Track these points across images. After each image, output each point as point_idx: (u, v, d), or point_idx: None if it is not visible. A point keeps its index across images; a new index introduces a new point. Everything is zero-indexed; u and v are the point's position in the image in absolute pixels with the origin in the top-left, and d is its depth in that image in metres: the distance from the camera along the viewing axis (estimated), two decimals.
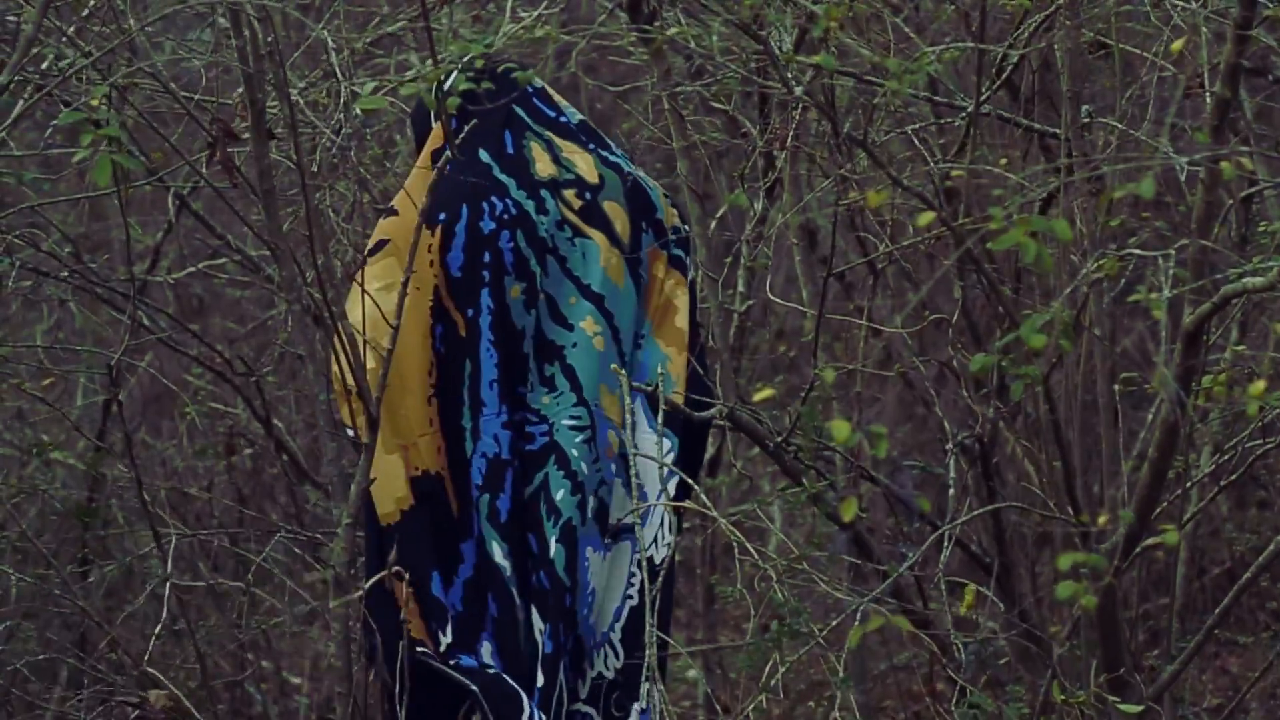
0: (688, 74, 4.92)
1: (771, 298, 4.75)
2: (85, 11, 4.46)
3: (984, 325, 5.13)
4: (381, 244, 4.10)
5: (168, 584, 4.27)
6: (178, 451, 5.73)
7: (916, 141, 4.63)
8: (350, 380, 4.02)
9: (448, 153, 3.97)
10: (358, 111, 4.86)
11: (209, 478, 5.61)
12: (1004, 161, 4.13)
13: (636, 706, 4.02)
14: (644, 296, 4.15)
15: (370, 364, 4.02)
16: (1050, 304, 3.43)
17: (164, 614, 4.20)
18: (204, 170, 4.43)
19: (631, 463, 4.03)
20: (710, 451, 5.52)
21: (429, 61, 5.23)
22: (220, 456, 5.52)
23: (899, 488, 4.67)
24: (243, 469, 5.76)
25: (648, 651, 3.94)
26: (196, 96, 4.60)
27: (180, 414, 5.64)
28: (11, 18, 4.15)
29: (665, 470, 4.04)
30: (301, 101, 4.31)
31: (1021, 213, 3.14)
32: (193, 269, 5.41)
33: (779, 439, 4.25)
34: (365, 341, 4.01)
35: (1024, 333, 3.29)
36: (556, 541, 4.04)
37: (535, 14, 4.76)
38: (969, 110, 4.55)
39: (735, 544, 3.90)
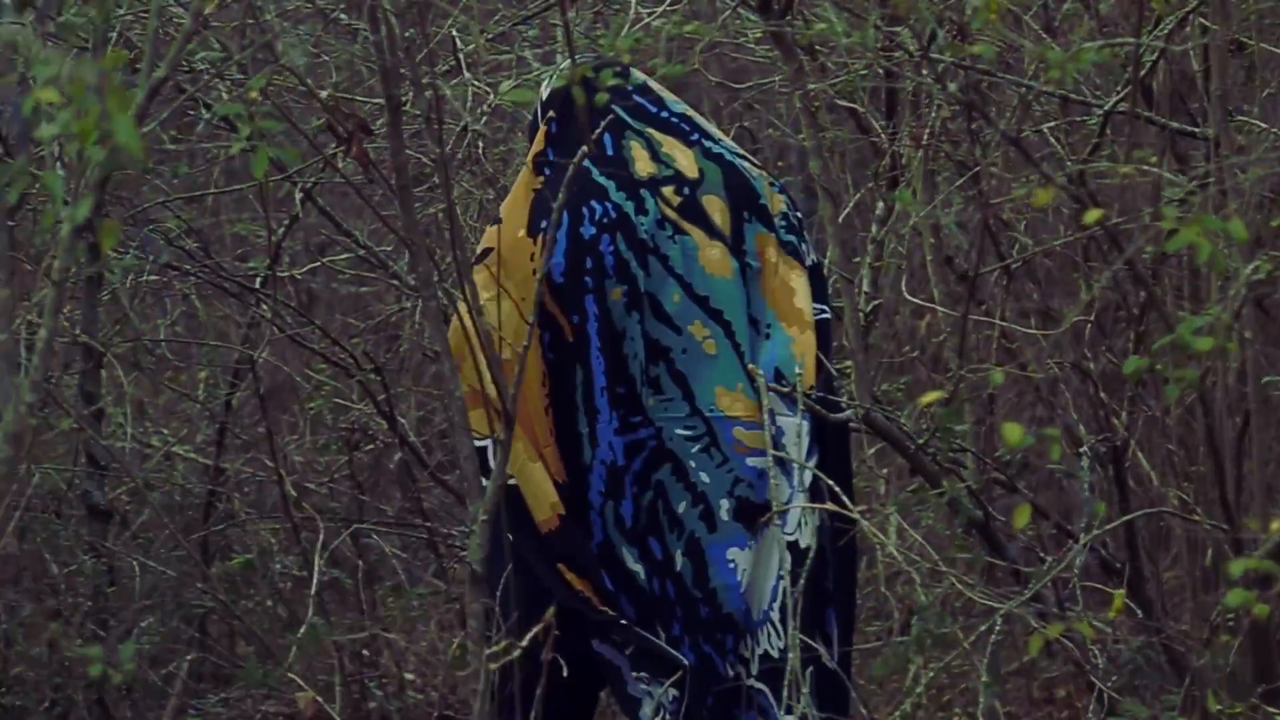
0: (813, 72, 4.88)
1: (908, 297, 4.70)
2: (215, 5, 4.47)
3: (1110, 326, 5.07)
4: (486, 252, 4.11)
5: (315, 579, 4.26)
6: (297, 447, 5.74)
7: (1052, 139, 4.57)
8: (480, 384, 4.01)
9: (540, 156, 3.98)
10: (486, 108, 4.86)
11: (330, 473, 5.62)
12: (1153, 160, 4.07)
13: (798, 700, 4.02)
14: (758, 283, 4.11)
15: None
16: (1207, 307, 3.36)
17: (309, 612, 4.19)
18: (340, 165, 4.42)
19: (772, 449, 4.02)
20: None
21: (554, 60, 5.22)
22: (342, 452, 5.52)
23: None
24: (363, 465, 5.76)
25: (791, 655, 3.91)
26: (326, 92, 4.60)
27: (302, 409, 5.65)
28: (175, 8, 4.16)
29: (804, 455, 4.01)
30: (449, 94, 4.30)
31: (1166, 212, 3.09)
32: (316, 263, 5.42)
33: (919, 442, 4.20)
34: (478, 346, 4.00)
35: (1183, 335, 3.23)
36: (682, 555, 4.05)
37: (658, 11, 4.74)
38: (1105, 108, 4.49)
39: (877, 545, 3.85)
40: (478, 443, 4.05)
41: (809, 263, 4.13)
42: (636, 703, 4.08)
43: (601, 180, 4.07)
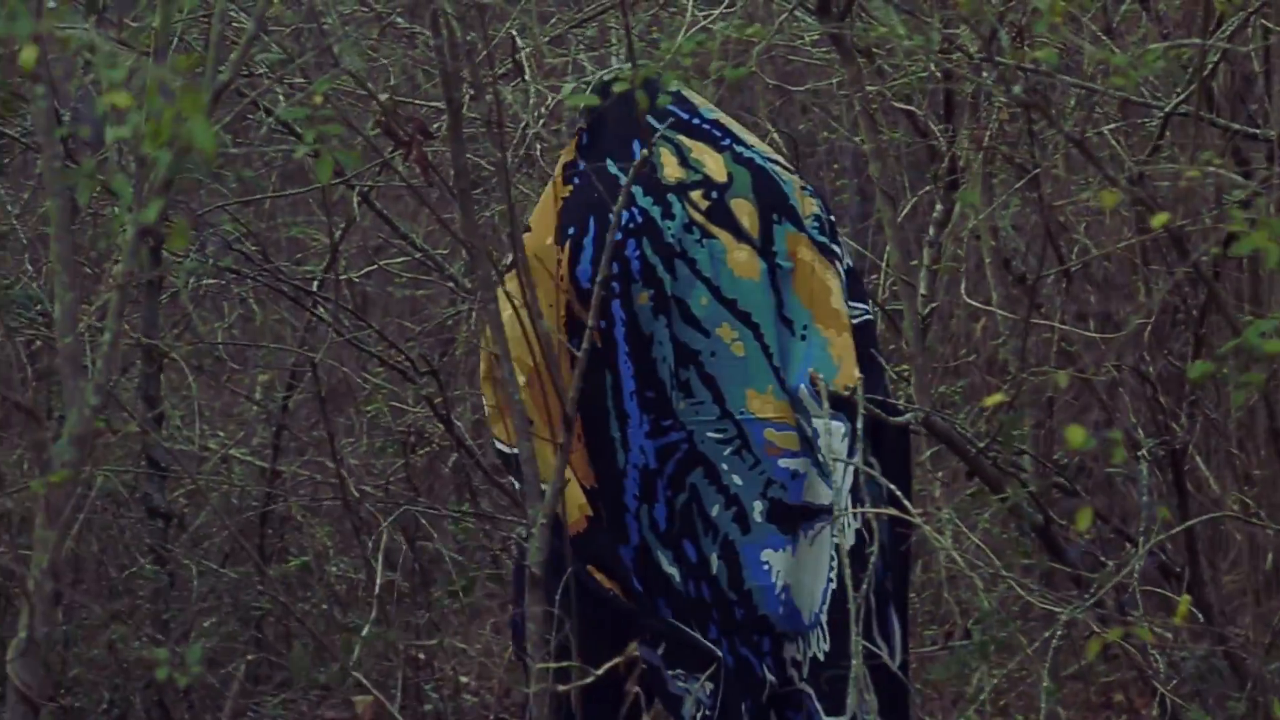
0: (870, 75, 4.86)
1: (968, 300, 4.69)
2: (277, 8, 4.49)
3: (1167, 329, 5.04)
4: (516, 260, 4.11)
5: (377, 583, 4.27)
6: (352, 450, 5.76)
7: (1113, 141, 4.55)
8: (502, 394, 4.04)
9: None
10: (544, 110, 4.86)
11: (386, 476, 5.63)
12: (1219, 162, 4.04)
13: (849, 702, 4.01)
14: (790, 283, 4.10)
15: (521, 378, 4.04)
16: (1274, 311, 3.34)
17: (372, 613, 4.20)
18: (400, 168, 4.44)
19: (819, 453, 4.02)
20: None
21: (608, 63, 5.22)
22: (399, 455, 5.53)
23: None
24: (418, 468, 5.77)
25: (854, 661, 3.90)
26: (383, 95, 4.61)
27: (358, 411, 5.67)
28: (238, 14, 4.18)
29: (846, 455, 4.00)
30: (510, 98, 4.30)
31: (1234, 215, 3.07)
32: (373, 266, 5.44)
33: (980, 446, 4.18)
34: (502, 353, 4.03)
35: (1249, 338, 3.21)
36: (717, 558, 4.07)
37: (715, 13, 4.73)
38: (1166, 109, 4.46)
39: (942, 550, 3.84)
40: (505, 449, 4.11)
41: (844, 266, 4.13)
42: (679, 701, 4.10)
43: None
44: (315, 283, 5.25)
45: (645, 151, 3.96)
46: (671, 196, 4.09)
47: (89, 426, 3.46)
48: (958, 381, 5.37)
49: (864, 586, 3.92)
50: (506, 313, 4.03)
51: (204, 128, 2.60)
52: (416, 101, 5.02)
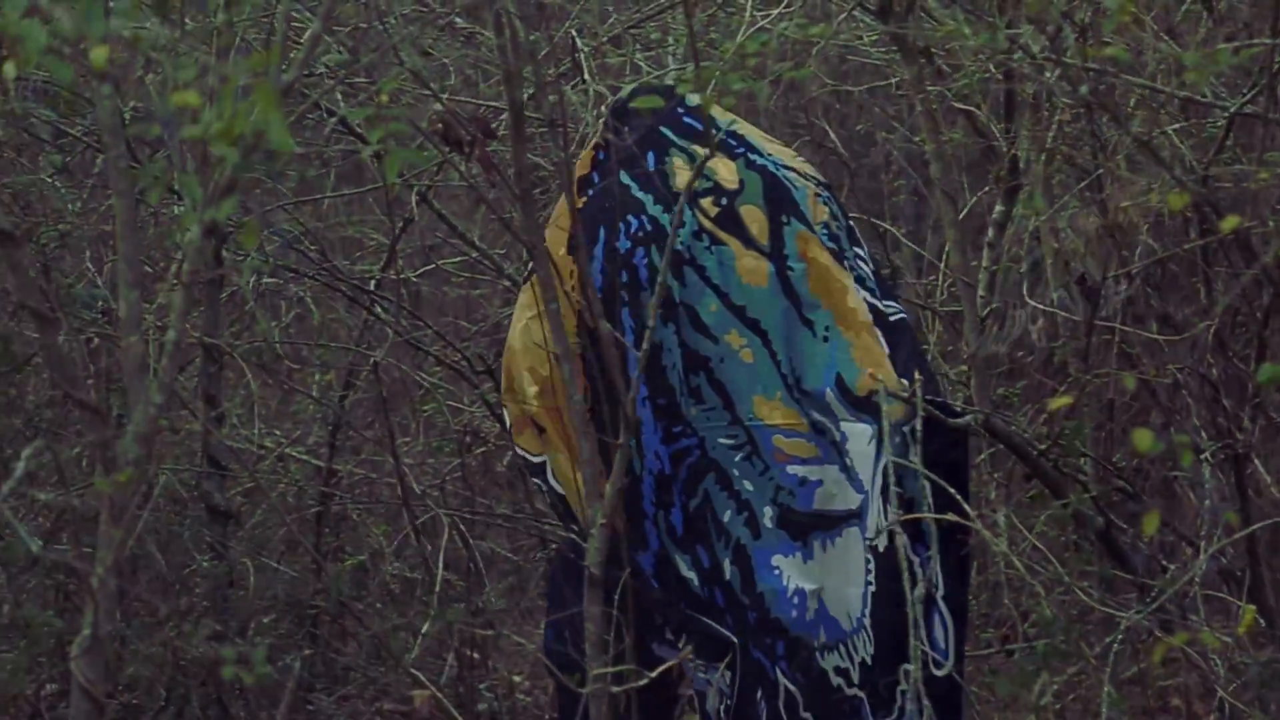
0: (929, 75, 4.85)
1: (1030, 302, 4.67)
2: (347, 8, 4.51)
3: (1229, 331, 5.01)
4: (531, 271, 4.18)
5: (438, 578, 4.29)
6: (407, 449, 5.76)
7: (1177, 142, 4.52)
8: (525, 405, 4.11)
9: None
10: (603, 109, 4.86)
11: (441, 476, 5.64)
12: None
13: (899, 691, 4.02)
14: (806, 283, 4.11)
15: (533, 388, 4.10)
16: None
17: (433, 608, 4.21)
18: (461, 168, 4.44)
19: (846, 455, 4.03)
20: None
21: (664, 63, 5.21)
22: (455, 454, 5.54)
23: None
24: (473, 467, 5.78)
25: (913, 666, 3.89)
26: (444, 95, 4.62)
27: (414, 411, 5.68)
28: (300, 14, 4.19)
29: (874, 457, 4.00)
30: (574, 100, 4.31)
31: None
32: (431, 266, 5.44)
33: (1042, 449, 4.16)
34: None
35: None
36: (730, 563, 4.11)
37: (773, 13, 4.72)
38: (1231, 110, 4.43)
39: (1003, 557, 3.82)
40: (531, 458, 4.17)
41: (869, 268, 4.14)
42: (703, 698, 4.14)
43: (640, 195, 4.13)
44: (373, 282, 5.26)
45: (660, 165, 4.02)
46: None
47: (153, 425, 3.47)
48: (1016, 382, 5.34)
49: (915, 589, 3.91)
50: (520, 324, 4.11)
51: (279, 126, 2.60)
52: (474, 101, 5.02)
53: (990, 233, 5.03)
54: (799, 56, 5.01)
